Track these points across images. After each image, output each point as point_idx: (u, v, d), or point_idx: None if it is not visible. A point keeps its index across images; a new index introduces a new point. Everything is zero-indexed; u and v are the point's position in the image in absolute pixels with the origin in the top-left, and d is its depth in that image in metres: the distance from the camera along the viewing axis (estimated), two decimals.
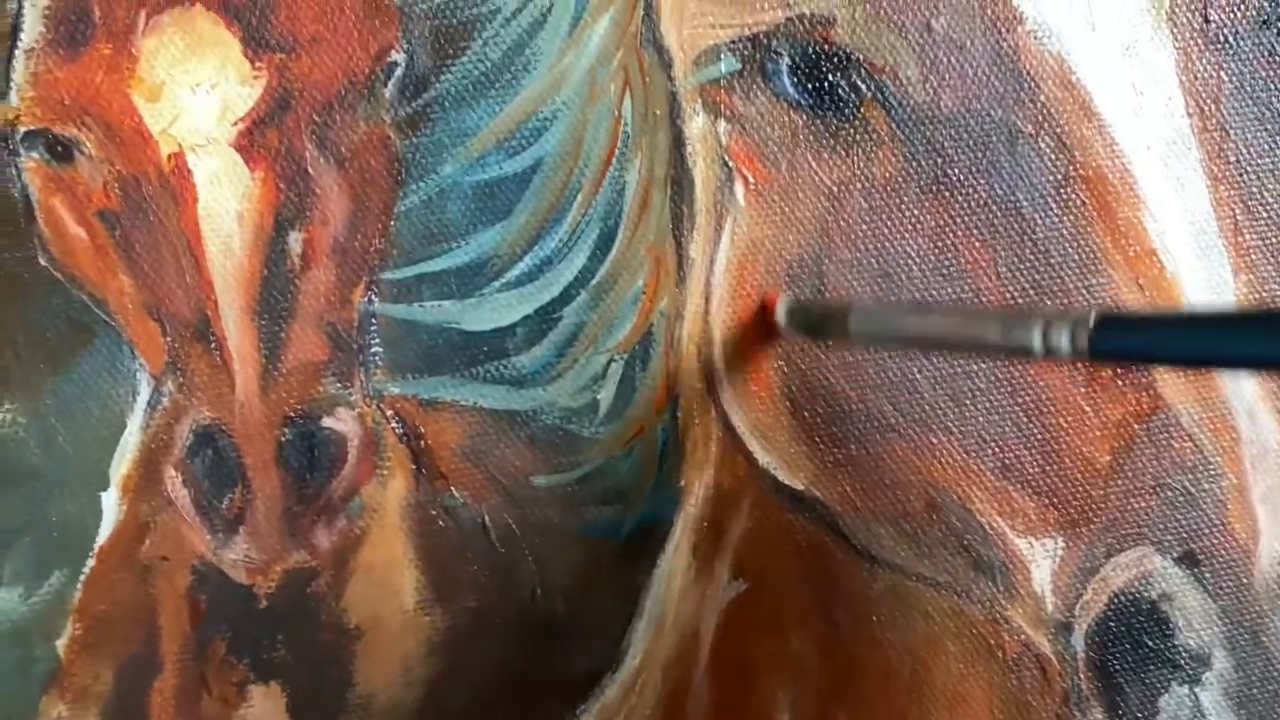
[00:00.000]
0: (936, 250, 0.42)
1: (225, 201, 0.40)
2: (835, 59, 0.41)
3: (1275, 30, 0.42)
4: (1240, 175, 0.42)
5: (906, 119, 0.41)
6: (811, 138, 0.42)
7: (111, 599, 0.41)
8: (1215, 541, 0.42)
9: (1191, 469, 0.42)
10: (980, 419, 0.42)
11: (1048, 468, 0.42)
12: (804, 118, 0.41)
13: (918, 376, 0.42)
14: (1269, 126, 0.42)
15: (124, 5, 0.39)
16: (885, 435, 0.42)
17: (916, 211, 0.42)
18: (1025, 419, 0.42)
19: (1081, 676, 0.42)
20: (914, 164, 0.42)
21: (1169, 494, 0.42)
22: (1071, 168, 0.42)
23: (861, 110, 0.41)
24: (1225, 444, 0.42)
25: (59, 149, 0.40)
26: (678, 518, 0.42)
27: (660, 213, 0.42)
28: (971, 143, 0.42)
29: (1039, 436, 0.42)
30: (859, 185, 0.42)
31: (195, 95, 0.40)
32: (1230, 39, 0.42)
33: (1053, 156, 0.42)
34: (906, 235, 0.42)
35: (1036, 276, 0.42)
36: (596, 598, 0.42)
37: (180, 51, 0.39)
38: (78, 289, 0.40)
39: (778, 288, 0.42)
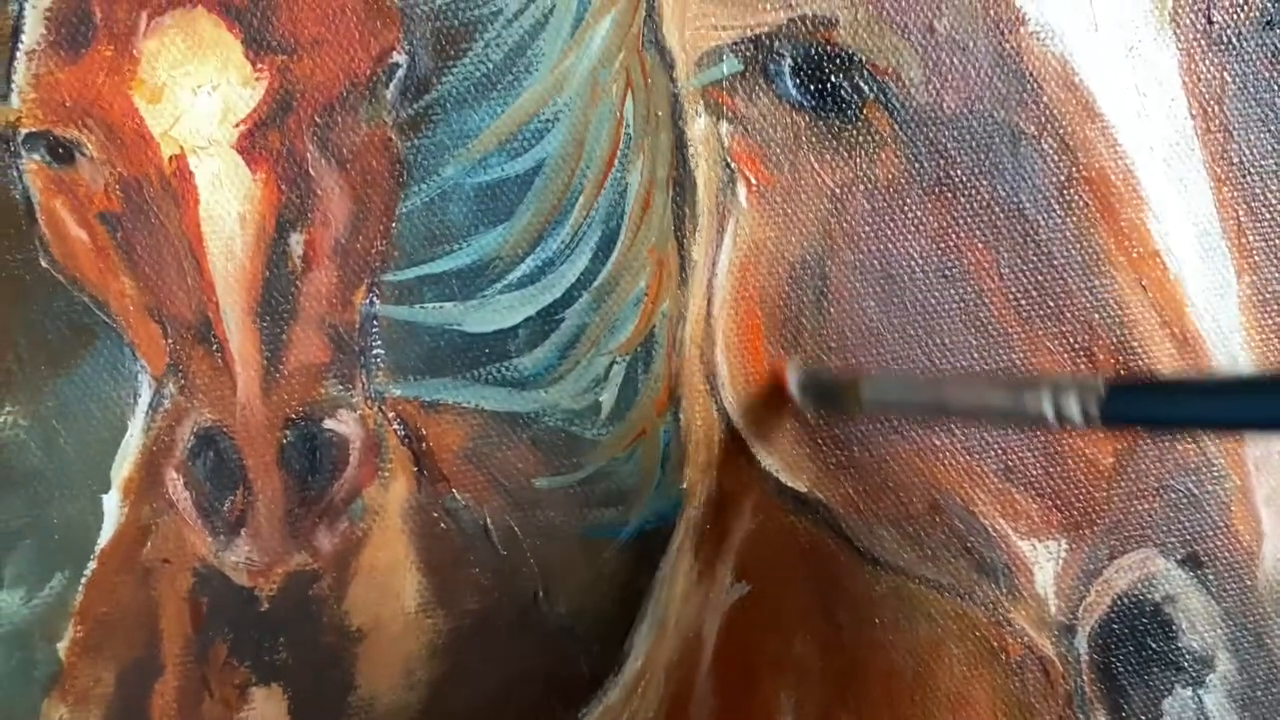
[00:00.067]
0: (939, 252, 0.42)
1: (227, 203, 0.40)
2: (838, 60, 0.41)
3: (1279, 31, 0.42)
4: (1244, 176, 0.42)
5: (909, 120, 0.41)
6: (814, 139, 0.41)
7: (113, 601, 0.41)
8: (1219, 543, 0.42)
9: (1195, 471, 0.42)
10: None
11: (1051, 470, 0.42)
12: (806, 119, 0.41)
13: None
14: (1272, 128, 0.42)
15: (125, 7, 0.39)
16: (888, 437, 0.42)
17: (919, 213, 0.42)
18: None
19: (1085, 679, 0.42)
20: (917, 165, 0.42)
21: (1172, 496, 0.42)
22: (1074, 169, 0.42)
23: (864, 112, 0.41)
24: (1229, 446, 0.42)
25: (60, 151, 0.40)
26: (680, 520, 0.42)
27: (662, 214, 0.42)
28: (974, 144, 0.41)
29: (1042, 438, 0.42)
30: (861, 187, 0.42)
31: (197, 97, 0.39)
32: (1233, 40, 0.42)
33: (1055, 158, 0.42)
34: (909, 237, 0.42)
35: (1039, 278, 0.42)
36: (599, 600, 0.42)
37: (182, 53, 0.39)
38: (79, 291, 0.40)
39: (780, 289, 0.42)
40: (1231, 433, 0.40)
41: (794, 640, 0.42)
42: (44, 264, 0.40)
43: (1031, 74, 0.41)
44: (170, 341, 0.40)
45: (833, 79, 0.41)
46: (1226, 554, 0.42)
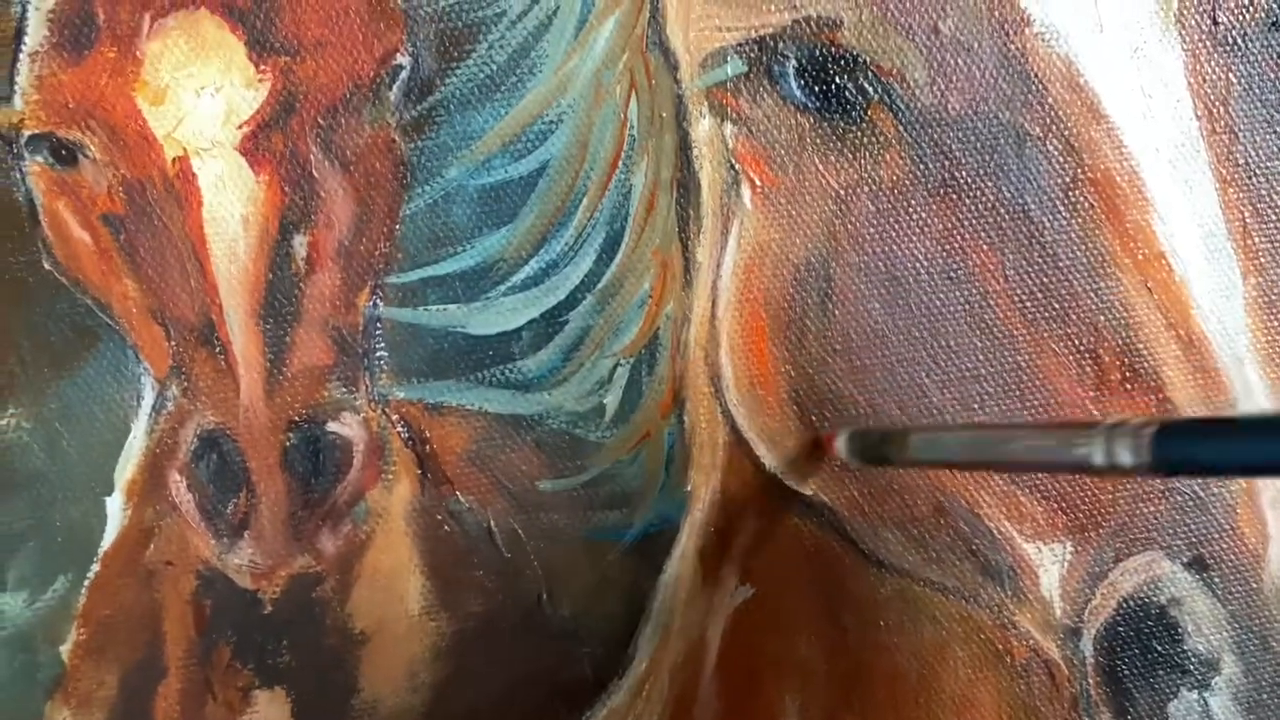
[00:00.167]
0: (944, 253, 0.42)
1: (230, 205, 0.40)
2: (842, 61, 0.41)
3: None
4: (1249, 178, 0.42)
5: (914, 122, 0.41)
6: (818, 140, 0.41)
7: (116, 604, 0.41)
8: (1224, 546, 0.42)
9: None
10: None
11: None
12: (811, 120, 0.41)
13: (926, 381, 0.42)
14: (1278, 129, 0.42)
15: (128, 8, 0.39)
16: None
17: (924, 214, 0.42)
18: None
19: (1090, 681, 0.42)
20: (921, 167, 0.41)
21: (1178, 498, 0.42)
22: (1080, 170, 0.41)
23: (868, 113, 0.41)
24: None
25: (63, 153, 0.40)
26: (684, 522, 0.42)
27: (666, 216, 0.42)
28: (979, 145, 0.41)
29: None
30: (866, 188, 0.42)
31: (200, 98, 0.39)
32: (1239, 41, 0.42)
33: (1061, 159, 0.41)
34: (914, 238, 0.42)
35: (1044, 279, 0.42)
36: (603, 603, 0.42)
37: (185, 55, 0.39)
38: (82, 293, 0.40)
39: (784, 291, 0.42)
40: None
41: (798, 643, 0.42)
42: (47, 266, 0.40)
43: (1036, 75, 0.41)
44: (173, 344, 0.40)
45: (837, 80, 0.41)
46: (1232, 557, 0.42)
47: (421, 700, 0.42)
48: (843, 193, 0.42)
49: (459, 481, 0.41)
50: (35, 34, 0.39)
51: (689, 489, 0.42)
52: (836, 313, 0.42)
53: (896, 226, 0.42)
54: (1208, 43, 0.42)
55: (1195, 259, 0.42)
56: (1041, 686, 0.42)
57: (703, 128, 0.41)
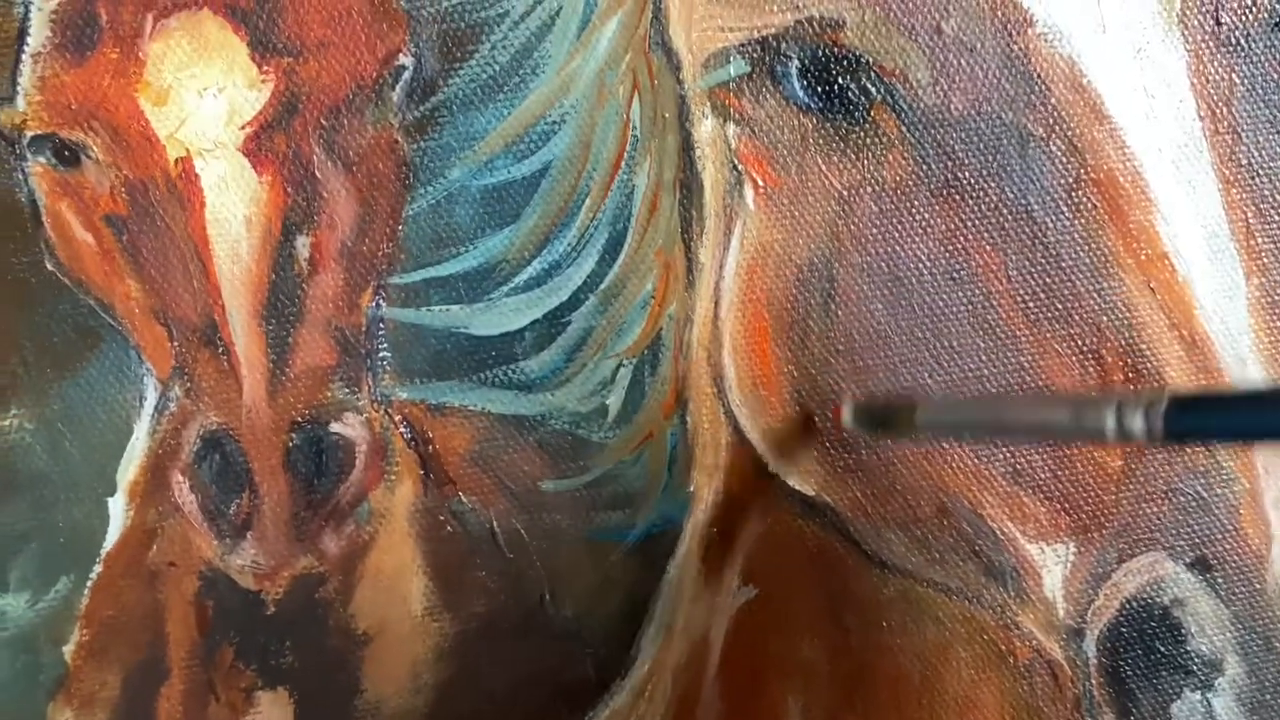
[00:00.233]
0: (947, 254, 0.42)
1: (233, 206, 0.40)
2: (845, 62, 0.41)
3: None
4: (1252, 178, 0.42)
5: (916, 122, 0.41)
6: (821, 141, 0.41)
7: (119, 605, 0.41)
8: (1228, 547, 0.42)
9: (1204, 473, 0.42)
10: None
11: (1059, 472, 0.42)
12: (813, 121, 0.41)
13: (928, 382, 0.42)
14: None
15: (131, 9, 0.39)
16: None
17: (927, 215, 0.42)
18: None
19: (1093, 682, 0.42)
20: (924, 167, 0.41)
21: (1181, 499, 0.42)
22: (1082, 171, 0.41)
23: (871, 113, 0.41)
24: (1238, 449, 0.42)
25: (66, 153, 0.40)
26: (687, 523, 0.42)
27: (669, 216, 0.42)
28: (982, 146, 0.41)
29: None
30: (869, 189, 0.41)
31: (202, 99, 0.39)
32: (1242, 41, 0.42)
33: (1064, 160, 0.41)
34: (917, 239, 0.42)
35: (1047, 280, 0.42)
36: (605, 603, 0.42)
37: (187, 55, 0.39)
38: (84, 294, 0.40)
39: (787, 291, 0.42)
40: None
41: (801, 644, 0.42)
42: (49, 267, 0.40)
43: (1039, 75, 0.41)
44: (176, 344, 0.40)
45: (840, 81, 0.41)
46: (1235, 557, 0.42)
47: (424, 701, 0.41)
48: (846, 193, 0.42)
49: (462, 482, 0.41)
50: (38, 35, 0.39)
51: (692, 490, 0.42)
52: (839, 313, 0.42)
53: (899, 227, 0.42)
54: (1211, 43, 0.42)
55: (1198, 260, 0.42)
56: (1044, 687, 0.42)
57: (705, 128, 0.41)
